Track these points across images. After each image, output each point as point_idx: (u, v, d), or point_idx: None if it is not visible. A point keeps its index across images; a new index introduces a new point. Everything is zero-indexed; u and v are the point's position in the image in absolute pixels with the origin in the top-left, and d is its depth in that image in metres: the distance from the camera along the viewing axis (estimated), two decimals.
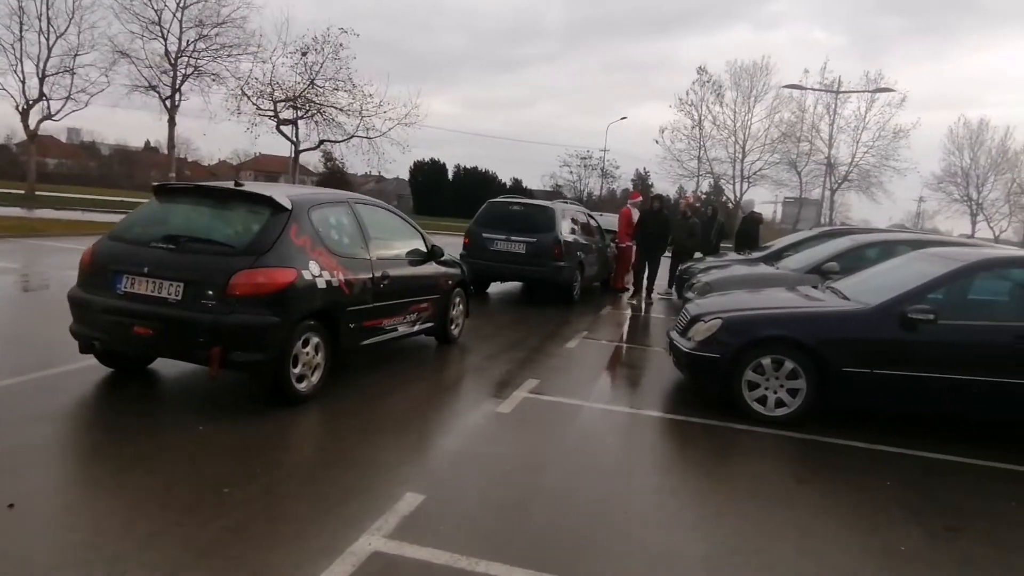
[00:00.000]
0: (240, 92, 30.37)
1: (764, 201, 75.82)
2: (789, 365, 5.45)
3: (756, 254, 11.20)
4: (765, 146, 44.93)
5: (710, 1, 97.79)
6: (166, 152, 35.10)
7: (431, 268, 6.86)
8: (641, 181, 57.15)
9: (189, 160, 78.63)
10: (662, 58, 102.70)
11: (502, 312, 10.39)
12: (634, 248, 12.46)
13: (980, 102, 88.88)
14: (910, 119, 69.15)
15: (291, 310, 4.77)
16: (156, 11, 28.76)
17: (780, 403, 5.50)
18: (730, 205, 47.58)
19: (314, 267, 4.99)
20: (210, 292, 4.54)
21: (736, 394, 5.55)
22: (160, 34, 29.08)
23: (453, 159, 62.87)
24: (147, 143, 79.47)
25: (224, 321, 4.50)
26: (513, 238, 10.65)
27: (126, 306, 4.68)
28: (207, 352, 4.49)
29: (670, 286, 12.83)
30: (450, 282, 7.23)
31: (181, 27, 29.42)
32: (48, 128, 33.67)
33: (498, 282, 11.85)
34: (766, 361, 5.48)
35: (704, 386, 6.00)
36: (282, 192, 5.23)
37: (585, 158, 58.05)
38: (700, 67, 43.51)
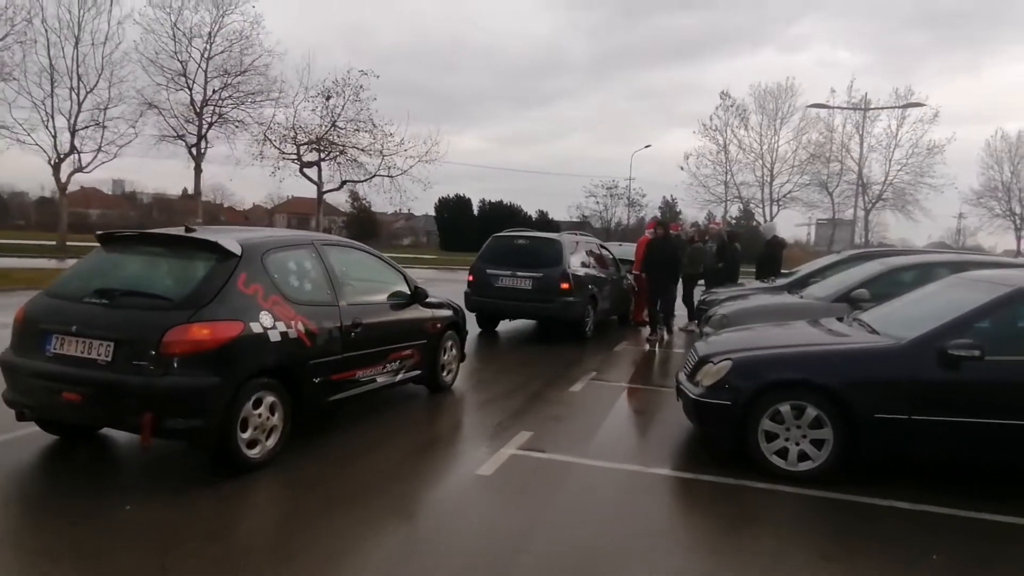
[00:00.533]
0: (263, 137, 30.71)
1: (798, 224, 74.20)
2: (812, 412, 4.70)
3: (779, 281, 10.41)
4: (794, 168, 43.99)
5: (733, 26, 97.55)
6: (210, 200, 35.68)
7: (415, 312, 6.30)
8: (669, 208, 56.37)
9: (225, 206, 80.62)
10: (687, 86, 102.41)
11: (509, 352, 9.77)
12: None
13: (1018, 114, 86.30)
14: (944, 134, 67.37)
15: (237, 368, 4.24)
16: (182, 63, 29.42)
17: (803, 456, 4.75)
18: (761, 229, 46.50)
19: (266, 318, 4.46)
20: (143, 352, 4.04)
21: (752, 447, 4.82)
22: (186, 85, 29.68)
23: (482, 194, 63.04)
24: (184, 191, 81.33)
25: (156, 384, 3.98)
26: (519, 273, 10.07)
27: (54, 369, 4.20)
28: (138, 420, 3.98)
29: (691, 319, 12.06)
30: (439, 325, 6.66)
31: (206, 77, 30.01)
32: (92, 180, 34.56)
33: (507, 320, 11.24)
34: (785, 408, 4.75)
35: (715, 438, 5.28)
36: (233, 237, 4.74)
37: (611, 188, 57.58)
38: (723, 92, 42.96)
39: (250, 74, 30.12)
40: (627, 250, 14.08)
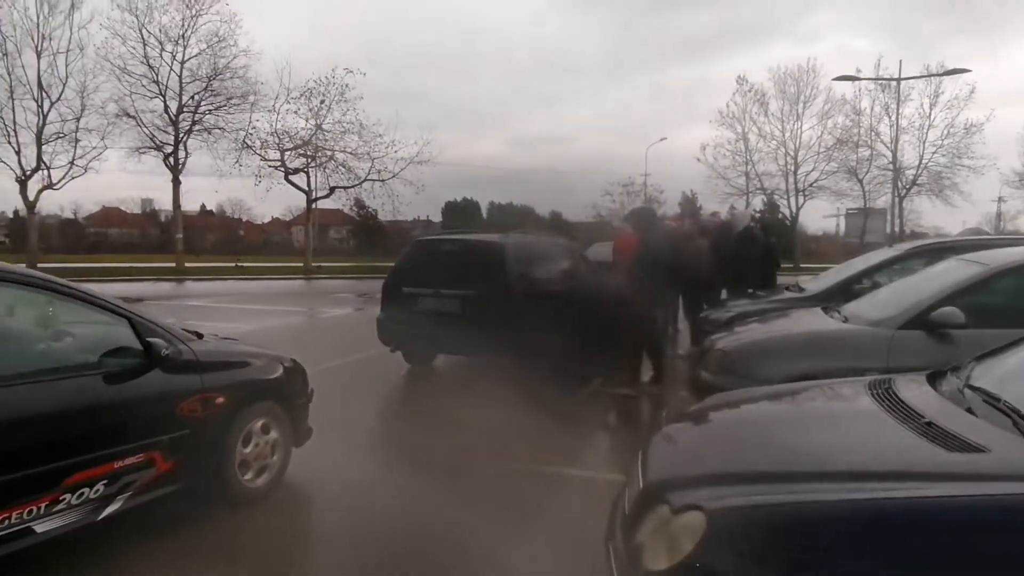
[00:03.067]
0: (243, 144, 28.32)
1: (826, 215, 69.77)
2: None
3: (807, 289, 7.36)
4: (820, 155, 40.27)
5: (746, 20, 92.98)
6: (225, 214, 33.73)
7: (152, 384, 3.46)
8: (689, 203, 52.88)
9: (244, 220, 79.09)
10: (701, 82, 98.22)
11: (443, 408, 6.85)
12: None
13: None
14: (982, 113, 62.28)
15: None
16: (154, 69, 27.19)
17: None
18: (787, 222, 42.84)
19: None
20: None
21: None
22: (159, 91, 27.43)
23: (500, 199, 60.02)
24: (202, 207, 79.84)
25: None
26: (444, 292, 7.17)
27: None
28: None
29: (694, 342, 9.02)
30: (221, 400, 3.80)
31: (181, 82, 27.73)
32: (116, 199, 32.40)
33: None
34: None
35: None
36: None
37: (627, 185, 54.24)
38: (739, 76, 39.51)
39: (226, 77, 27.79)
40: None
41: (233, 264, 30.71)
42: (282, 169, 29.62)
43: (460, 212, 50.46)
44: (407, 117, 68.04)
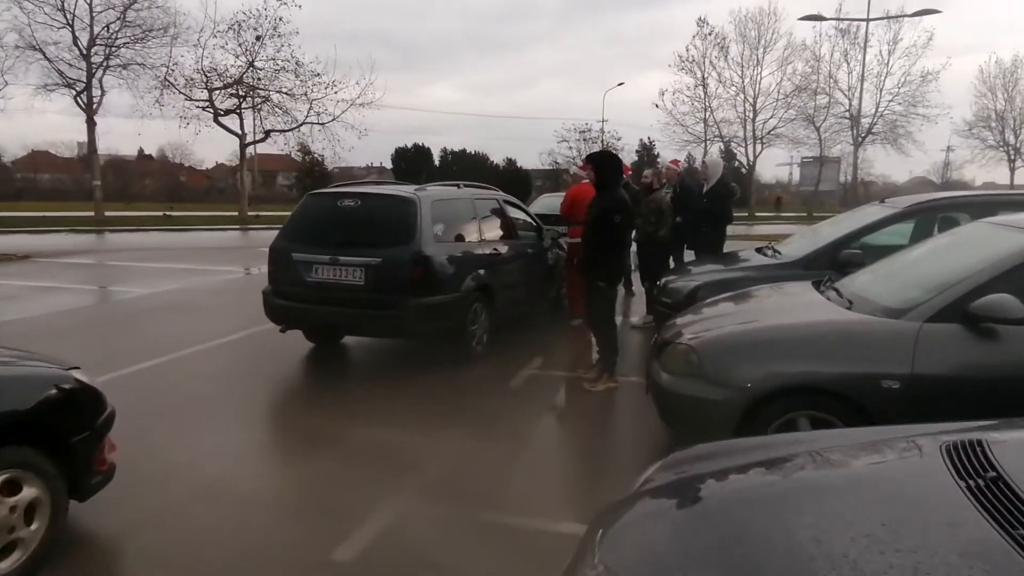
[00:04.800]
0: (165, 82, 25.63)
1: (779, 163, 69.37)
2: None
3: (783, 253, 6.10)
4: (778, 102, 39.24)
5: None
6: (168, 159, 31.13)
7: None
8: (646, 151, 51.47)
9: (186, 165, 74.46)
10: (660, 28, 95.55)
11: (338, 413, 5.47)
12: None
13: (1010, 42, 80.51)
14: (938, 61, 62.00)
15: None
16: None
17: None
18: (743, 171, 41.95)
19: None
20: None
21: None
22: (66, 21, 24.39)
23: (454, 145, 57.19)
24: (140, 151, 74.97)
25: None
26: (343, 259, 5.68)
27: None
28: None
29: (649, 310, 7.77)
30: None
31: (91, 11, 24.70)
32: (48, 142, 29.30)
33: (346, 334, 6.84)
34: None
35: None
36: None
37: (584, 131, 52.38)
38: (700, 18, 37.78)
39: (145, 7, 24.87)
40: None
41: (161, 214, 28.28)
42: (211, 110, 27.07)
43: (410, 159, 48.02)
44: (354, 59, 64.10)
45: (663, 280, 6.71)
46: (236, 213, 28.73)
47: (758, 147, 40.62)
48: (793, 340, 3.58)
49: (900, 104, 39.53)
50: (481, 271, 6.25)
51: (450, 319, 5.81)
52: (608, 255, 5.45)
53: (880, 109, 39.74)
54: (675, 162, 9.62)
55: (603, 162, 5.56)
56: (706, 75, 39.16)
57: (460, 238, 6.23)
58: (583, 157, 17.31)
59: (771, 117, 39.63)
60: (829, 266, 5.40)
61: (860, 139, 40.03)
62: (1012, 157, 48.88)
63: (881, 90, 39.44)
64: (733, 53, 38.98)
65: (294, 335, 6.41)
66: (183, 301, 9.42)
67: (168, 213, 28.86)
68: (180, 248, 17.55)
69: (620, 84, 67.58)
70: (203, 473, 3.83)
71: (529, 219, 7.85)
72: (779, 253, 6.14)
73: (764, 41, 38.76)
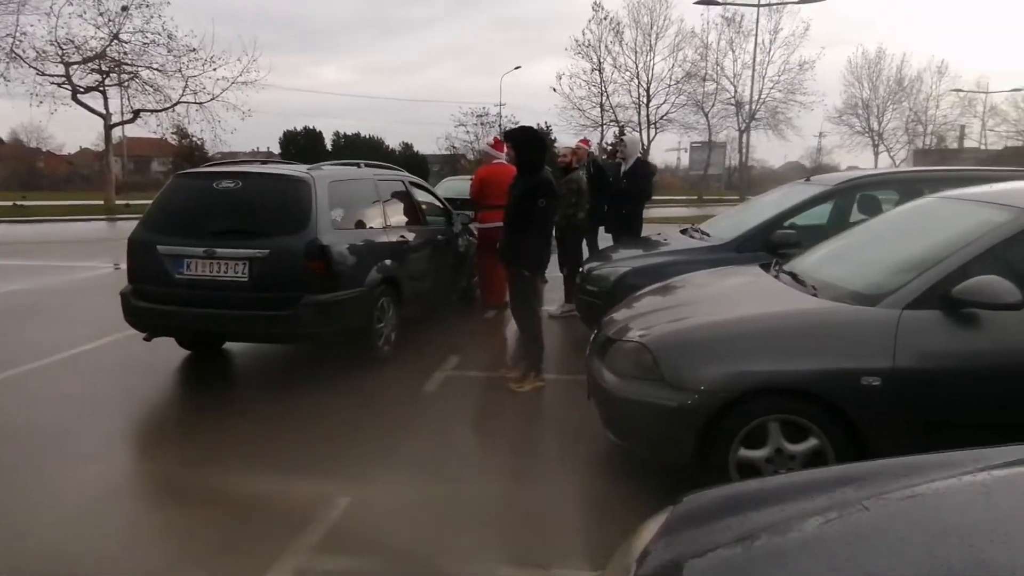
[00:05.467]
0: (12, 53, 22.62)
1: (669, 148, 71.73)
2: None
3: (712, 235, 5.74)
4: (671, 87, 40.19)
5: None
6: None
7: None
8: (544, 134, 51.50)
9: (44, 150, 67.17)
10: (556, 14, 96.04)
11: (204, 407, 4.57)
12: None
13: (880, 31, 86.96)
14: (814, 51, 65.84)
15: None
16: None
17: None
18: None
19: None
20: None
21: None
22: None
23: (350, 129, 54.54)
24: (12, 132, 67.14)
25: None
26: (221, 252, 4.75)
27: None
28: None
29: (568, 299, 7.28)
30: None
31: None
32: None
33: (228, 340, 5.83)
34: None
35: None
36: None
37: (481, 115, 51.65)
38: (595, 2, 37.82)
39: None
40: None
41: (11, 204, 25.07)
42: (68, 87, 24.18)
43: (301, 144, 45.49)
44: (235, 37, 59.95)
45: (586, 266, 6.21)
46: (102, 202, 25.94)
47: (652, 131, 41.50)
48: (760, 333, 3.12)
49: (780, 92, 41.59)
50: (387, 261, 5.49)
51: (353, 318, 5.03)
52: (532, 241, 4.87)
53: (762, 96, 41.64)
54: (584, 141, 9.16)
55: (524, 139, 4.95)
56: (602, 59, 39.45)
57: (362, 224, 5.44)
58: (499, 135, 16.60)
59: (664, 102, 40.54)
60: (762, 248, 5.09)
61: (745, 124, 41.91)
62: (876, 143, 52.94)
63: (764, 78, 41.32)
64: (627, 39, 39.48)
65: (165, 341, 5.40)
66: (31, 304, 8.00)
67: (20, 203, 25.62)
68: (34, 242, 15.44)
69: (517, 68, 67.02)
70: (25, 544, 2.91)
71: (437, 202, 7.14)
72: (706, 235, 5.78)
73: (656, 28, 39.48)
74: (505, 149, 6.64)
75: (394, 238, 5.76)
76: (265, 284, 4.69)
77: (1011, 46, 77.41)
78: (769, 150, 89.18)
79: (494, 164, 7.29)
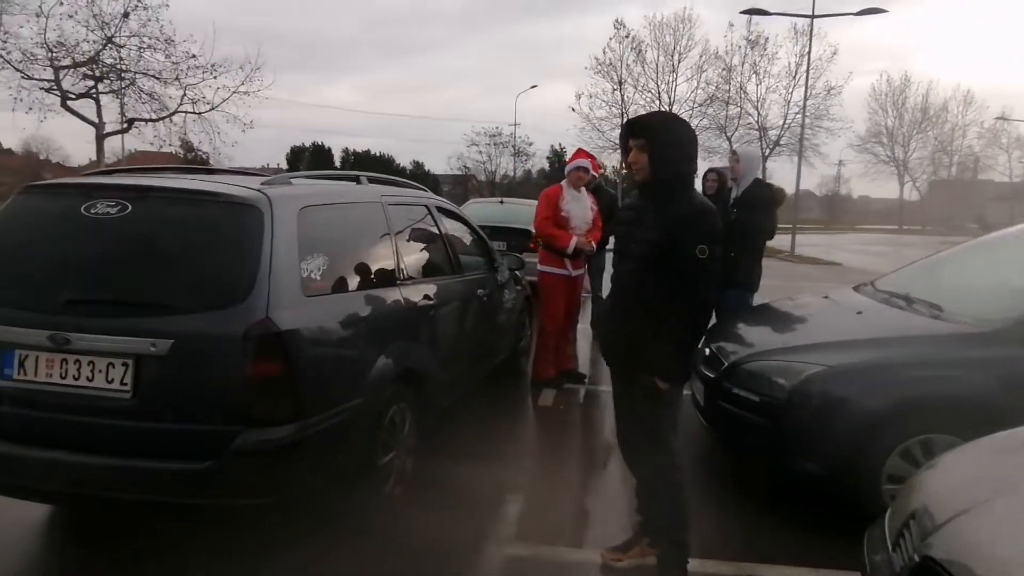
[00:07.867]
0: None
1: None
2: None
3: (952, 313, 3.38)
4: (693, 110, 38.07)
5: None
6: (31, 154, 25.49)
7: None
8: (557, 158, 49.32)
9: (53, 161, 65.70)
10: (567, 39, 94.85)
11: None
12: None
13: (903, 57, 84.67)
14: (841, 75, 62.83)
15: None
16: None
17: None
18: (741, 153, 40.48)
19: None
20: None
21: None
22: None
23: (360, 147, 52.46)
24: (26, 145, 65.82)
25: None
26: (83, 338, 2.40)
27: None
28: None
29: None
30: None
31: None
32: None
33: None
34: None
35: None
36: None
37: (494, 135, 49.58)
38: (617, 20, 35.95)
39: None
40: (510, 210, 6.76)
41: None
42: (57, 93, 22.12)
43: (308, 160, 43.63)
44: (242, 53, 58.55)
45: (721, 352, 3.80)
46: None
47: None
48: None
49: (807, 117, 39.48)
50: (403, 342, 3.16)
51: (338, 461, 2.67)
52: (680, 322, 2.52)
53: (787, 121, 39.53)
54: (589, 156, 6.60)
55: (669, 134, 2.60)
56: (622, 79, 37.48)
57: (365, 280, 3.09)
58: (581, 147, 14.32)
59: None
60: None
61: (768, 150, 39.67)
62: (901, 172, 50.70)
63: (789, 102, 39.28)
64: (649, 59, 37.55)
65: None
66: None
67: None
68: None
69: (533, 87, 65.33)
70: None
71: (475, 236, 4.78)
72: (940, 309, 3.38)
73: (679, 48, 37.58)
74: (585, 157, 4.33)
75: (415, 299, 3.41)
76: (164, 405, 2.35)
77: None
78: (784, 176, 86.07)
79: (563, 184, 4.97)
